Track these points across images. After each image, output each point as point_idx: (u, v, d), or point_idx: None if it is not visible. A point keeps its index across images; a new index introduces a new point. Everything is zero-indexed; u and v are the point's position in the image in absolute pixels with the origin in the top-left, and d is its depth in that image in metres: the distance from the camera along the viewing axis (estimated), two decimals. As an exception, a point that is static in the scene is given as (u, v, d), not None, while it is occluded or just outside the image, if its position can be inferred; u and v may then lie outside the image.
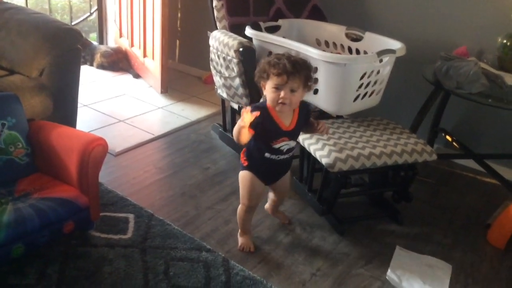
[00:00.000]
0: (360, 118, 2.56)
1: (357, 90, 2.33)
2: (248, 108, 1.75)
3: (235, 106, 2.82)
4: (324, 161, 2.15)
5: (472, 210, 2.63)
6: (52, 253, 1.98)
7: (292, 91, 1.77)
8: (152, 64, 3.80)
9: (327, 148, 2.18)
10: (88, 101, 3.51)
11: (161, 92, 3.79)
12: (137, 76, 4.10)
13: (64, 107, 2.40)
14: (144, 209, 2.33)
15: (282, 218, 2.35)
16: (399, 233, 2.38)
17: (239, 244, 2.14)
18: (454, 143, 2.98)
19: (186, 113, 3.51)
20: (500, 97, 2.42)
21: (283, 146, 1.90)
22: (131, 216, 2.27)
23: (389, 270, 2.10)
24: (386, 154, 2.21)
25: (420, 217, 2.53)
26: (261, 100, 2.04)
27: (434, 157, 2.32)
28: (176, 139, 3.14)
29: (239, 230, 2.17)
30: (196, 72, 4.24)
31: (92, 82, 3.91)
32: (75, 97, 2.51)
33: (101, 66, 4.17)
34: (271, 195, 2.25)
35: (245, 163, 1.99)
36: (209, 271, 1.98)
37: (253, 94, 2.56)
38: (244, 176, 2.00)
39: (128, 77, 4.12)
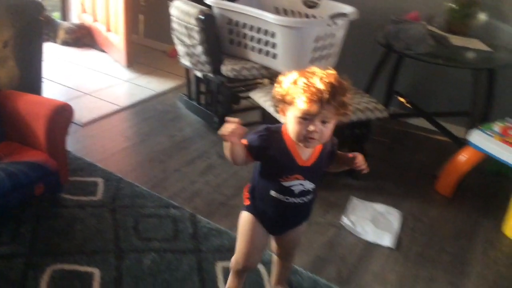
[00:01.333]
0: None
1: (312, 53, 2.46)
2: (234, 119, 1.32)
3: (199, 74, 2.92)
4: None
5: (423, 165, 2.82)
6: (24, 214, 2.07)
7: (324, 122, 1.31)
8: (116, 38, 3.84)
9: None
10: (54, 77, 3.54)
11: (127, 66, 3.84)
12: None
13: (30, 77, 2.45)
14: (112, 174, 2.42)
15: (278, 278, 1.78)
16: (355, 186, 2.56)
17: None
18: (407, 104, 3.17)
19: (152, 85, 3.58)
20: (448, 56, 2.59)
21: (295, 185, 1.43)
22: (100, 180, 2.36)
23: (344, 217, 2.27)
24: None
25: (375, 172, 2.69)
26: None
27: (386, 114, 2.49)
28: (142, 110, 3.22)
29: None
30: (161, 46, 4.29)
31: (56, 58, 3.92)
32: (39, 67, 2.56)
33: (65, 43, 4.18)
34: (273, 247, 1.69)
35: (247, 202, 1.54)
36: (176, 225, 2.11)
37: (215, 61, 2.66)
38: (244, 219, 1.55)
39: (93, 52, 4.14)
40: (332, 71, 1.32)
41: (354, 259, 2.05)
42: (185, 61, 2.88)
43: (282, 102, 1.34)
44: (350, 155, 1.45)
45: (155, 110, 3.23)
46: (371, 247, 2.13)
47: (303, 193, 1.45)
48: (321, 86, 1.27)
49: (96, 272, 1.81)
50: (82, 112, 3.02)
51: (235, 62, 2.68)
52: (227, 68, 2.65)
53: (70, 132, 2.25)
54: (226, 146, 1.35)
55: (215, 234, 2.07)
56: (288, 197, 1.44)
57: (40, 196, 2.07)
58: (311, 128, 1.29)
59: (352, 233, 2.20)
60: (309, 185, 1.44)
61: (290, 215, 1.51)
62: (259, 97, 2.51)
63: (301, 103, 1.28)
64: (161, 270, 1.85)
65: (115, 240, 1.98)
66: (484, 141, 2.35)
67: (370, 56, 3.11)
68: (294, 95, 1.29)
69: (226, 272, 1.83)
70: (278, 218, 1.51)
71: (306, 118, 1.29)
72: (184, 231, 2.08)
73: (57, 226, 2.03)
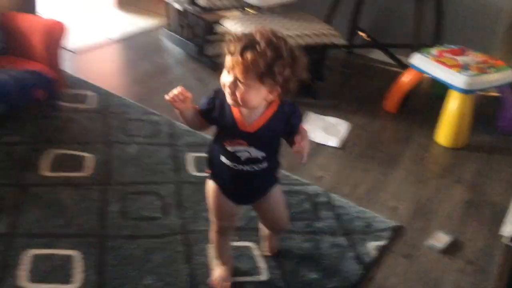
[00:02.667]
0: (282, 11, 3.06)
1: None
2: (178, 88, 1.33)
3: (179, 7, 3.26)
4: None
5: (376, 90, 3.20)
6: (28, 115, 2.46)
7: (237, 81, 1.23)
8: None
9: (248, 30, 2.68)
10: (51, 12, 3.85)
11: (118, 7, 4.17)
12: None
13: (28, 1, 2.78)
14: (103, 89, 2.81)
15: (268, 246, 1.78)
16: (313, 104, 2.94)
17: (212, 277, 1.64)
18: (367, 38, 3.53)
19: (139, 23, 3.91)
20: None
21: (239, 151, 1.36)
22: (92, 93, 2.75)
23: (300, 126, 2.68)
24: (298, 36, 2.73)
25: (332, 94, 3.11)
26: None
27: (340, 40, 2.86)
28: (129, 42, 3.58)
29: (214, 259, 1.67)
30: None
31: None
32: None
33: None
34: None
35: (208, 170, 1.52)
36: (156, 127, 2.52)
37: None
38: (207, 187, 1.53)
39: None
40: (275, 35, 1.24)
41: (304, 155, 2.47)
42: (166, -6, 3.22)
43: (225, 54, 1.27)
44: (295, 139, 1.31)
45: (141, 43, 3.58)
46: (319, 147, 2.54)
47: (251, 160, 1.37)
48: (241, 41, 1.21)
49: (88, 156, 2.22)
50: (76, 42, 3.37)
51: (209, -7, 3.04)
52: (202, -1, 3.01)
53: (65, 59, 2.62)
54: (176, 112, 1.35)
55: (189, 134, 2.47)
56: (236, 164, 1.38)
57: (42, 101, 2.46)
58: (223, 80, 1.26)
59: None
60: (256, 153, 1.36)
61: (245, 183, 1.45)
62: (230, 25, 2.86)
63: (224, 52, 1.24)
64: (143, 156, 2.26)
65: (104, 135, 2.39)
66: (422, 62, 2.73)
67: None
68: (227, 48, 1.24)
69: (196, 159, 2.25)
70: (234, 186, 1.46)
71: (227, 71, 1.25)
72: (163, 131, 2.48)
73: (56, 124, 2.43)
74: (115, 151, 2.27)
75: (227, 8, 3.13)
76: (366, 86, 3.28)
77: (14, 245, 1.71)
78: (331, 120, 2.79)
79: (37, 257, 1.67)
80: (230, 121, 1.34)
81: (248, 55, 1.18)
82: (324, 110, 2.90)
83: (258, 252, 1.79)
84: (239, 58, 1.19)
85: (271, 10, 3.06)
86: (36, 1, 2.74)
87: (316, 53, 2.89)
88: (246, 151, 1.36)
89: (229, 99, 1.28)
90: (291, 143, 1.33)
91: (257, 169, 1.40)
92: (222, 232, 1.59)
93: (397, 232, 1.98)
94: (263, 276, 1.70)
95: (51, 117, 2.48)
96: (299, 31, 2.76)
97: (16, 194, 1.94)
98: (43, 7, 2.91)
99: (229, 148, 1.37)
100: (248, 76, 1.21)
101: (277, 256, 1.78)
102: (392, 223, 2.01)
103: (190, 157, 2.30)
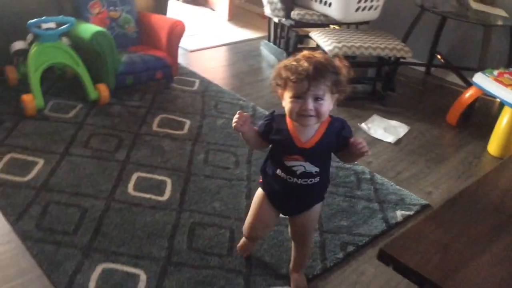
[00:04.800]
0: (364, 29, 3.53)
1: (358, 3, 3.30)
2: (242, 113, 1.48)
3: (276, 20, 3.87)
4: (326, 48, 3.18)
5: (444, 106, 3.51)
6: (149, 89, 3.19)
7: (317, 99, 1.37)
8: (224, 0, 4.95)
9: (329, 40, 3.20)
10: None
11: (228, 20, 4.93)
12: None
13: (159, 4, 3.57)
14: (206, 78, 3.48)
15: (296, 281, 1.80)
16: (380, 109, 3.35)
17: (239, 243, 1.92)
18: (441, 60, 3.85)
19: (244, 34, 4.61)
20: (465, 15, 3.28)
21: (296, 166, 1.49)
22: (197, 80, 3.43)
23: (363, 123, 3.11)
24: (371, 48, 3.18)
25: (401, 103, 3.49)
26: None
27: (410, 54, 3.26)
28: (233, 48, 4.27)
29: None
30: (257, 10, 5.31)
31: (179, 10, 5.12)
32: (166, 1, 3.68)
33: (186, 1, 5.37)
34: (289, 230, 1.76)
35: (260, 179, 1.66)
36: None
37: (287, 7, 3.60)
38: (256, 194, 1.69)
39: (205, 9, 5.29)
40: (321, 54, 1.42)
41: (361, 145, 2.89)
42: (267, 9, 3.85)
43: (278, 86, 1.43)
44: (350, 141, 1.45)
45: (243, 49, 4.25)
46: (376, 140, 2.95)
47: (305, 175, 1.49)
48: (306, 64, 1.35)
49: (187, 121, 2.86)
50: (192, 44, 4.14)
51: (301, 9, 3.62)
52: (295, 13, 3.59)
53: (182, 54, 3.34)
54: (240, 136, 1.53)
55: (267, 117, 3.03)
56: (291, 177, 1.50)
57: (159, 80, 3.19)
58: (304, 105, 1.36)
59: (365, 132, 3.03)
60: (311, 168, 1.48)
61: (296, 195, 1.56)
62: (316, 36, 3.40)
63: (290, 83, 1.37)
64: (227, 127, 2.85)
65: (201, 109, 3.03)
66: (483, 81, 3.03)
67: (410, 14, 3.82)
68: (285, 77, 1.38)
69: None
70: (284, 196, 1.59)
71: (298, 97, 1.37)
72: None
73: (168, 98, 3.13)
74: (207, 121, 2.90)
75: (315, 23, 3.67)
76: (434, 101, 3.60)
77: (127, 168, 2.37)
78: (393, 123, 3.17)
79: (141, 178, 2.31)
80: (288, 140, 1.46)
81: (319, 72, 1.35)
82: (389, 115, 3.29)
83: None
84: (314, 76, 1.34)
85: (352, 27, 3.55)
86: (167, 6, 3.52)
87: (389, 65, 3.31)
88: (301, 165, 1.48)
89: (303, 120, 1.40)
90: (344, 152, 1.49)
91: (309, 183, 1.51)
92: (250, 240, 1.83)
93: (425, 209, 2.33)
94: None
95: (164, 93, 3.19)
96: (373, 44, 3.21)
97: (133, 138, 2.63)
98: (171, 11, 3.70)
99: (286, 163, 1.49)
100: (326, 90, 1.37)
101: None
102: (422, 201, 2.37)
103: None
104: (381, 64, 3.34)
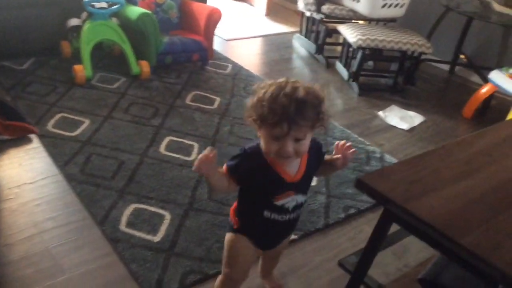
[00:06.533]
0: (390, 25, 3.73)
1: (384, 0, 3.51)
2: (209, 148, 1.22)
3: (308, 14, 4.12)
4: (351, 40, 3.40)
5: (462, 102, 3.65)
6: (185, 69, 3.50)
7: (297, 140, 1.21)
8: (261, -6, 5.24)
9: (355, 33, 3.42)
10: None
11: (265, 15, 5.21)
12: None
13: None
14: (238, 64, 3.77)
15: (271, 284, 1.77)
16: (400, 101, 3.54)
17: None
18: (465, 60, 4.00)
19: (279, 28, 4.88)
20: (487, 15, 3.43)
21: (288, 202, 1.35)
22: (230, 65, 3.72)
23: (381, 112, 3.31)
24: (394, 42, 3.38)
25: (420, 97, 3.67)
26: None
27: (430, 50, 3.44)
28: (267, 40, 4.54)
29: None
30: (292, 7, 5.56)
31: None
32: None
33: (226, -4, 5.70)
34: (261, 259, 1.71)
35: (235, 225, 1.43)
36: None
37: (318, 2, 3.84)
38: (230, 240, 1.45)
39: (244, 4, 5.60)
40: (300, 83, 1.21)
41: (376, 129, 3.10)
42: (300, 4, 4.11)
43: (254, 122, 1.23)
44: (334, 156, 1.38)
45: (276, 41, 4.52)
46: (391, 127, 3.15)
47: (297, 207, 1.38)
48: (286, 103, 1.14)
49: (217, 98, 3.15)
50: (229, 33, 4.44)
51: (331, 4, 3.86)
52: (325, 8, 3.83)
53: (217, 42, 3.63)
54: (204, 177, 1.27)
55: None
56: (284, 215, 1.36)
57: (195, 62, 3.50)
58: (283, 148, 1.20)
59: (382, 119, 3.23)
60: (301, 198, 1.38)
61: (283, 230, 1.46)
62: (343, 29, 3.63)
63: (268, 125, 1.18)
64: (253, 106, 3.12)
65: (231, 89, 3.31)
66: (498, 77, 3.18)
67: (434, 13, 3.98)
68: (261, 115, 1.19)
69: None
70: (271, 236, 1.45)
71: (276, 137, 1.20)
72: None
73: (201, 78, 3.43)
74: (235, 99, 3.18)
75: (344, 18, 3.89)
76: (453, 98, 3.75)
77: (161, 132, 2.67)
78: (410, 113, 3.36)
79: (172, 141, 2.60)
80: (275, 178, 1.29)
81: (300, 113, 1.16)
82: (407, 105, 3.48)
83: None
84: (295, 119, 1.15)
85: (380, 24, 3.75)
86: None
87: (410, 60, 3.50)
88: (293, 200, 1.35)
89: (281, 160, 1.26)
90: (324, 166, 1.41)
91: (299, 213, 1.42)
92: (232, 285, 1.55)
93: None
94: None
95: (199, 73, 3.49)
96: (396, 38, 3.41)
97: (168, 109, 2.93)
98: (213, 3, 4.01)
99: (277, 203, 1.33)
100: (307, 130, 1.21)
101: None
102: (426, 180, 2.56)
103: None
104: (403, 59, 3.53)
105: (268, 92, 1.19)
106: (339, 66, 3.85)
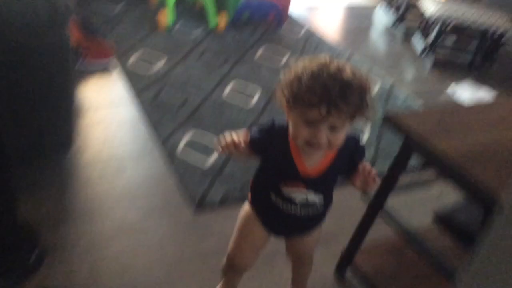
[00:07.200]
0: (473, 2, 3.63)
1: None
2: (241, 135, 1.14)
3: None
4: (429, 10, 3.36)
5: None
6: (260, 26, 3.66)
7: (334, 128, 1.05)
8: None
9: (435, 6, 3.38)
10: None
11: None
12: None
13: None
14: (313, 29, 3.85)
15: None
16: (473, 80, 3.45)
17: None
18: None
19: (362, 1, 4.88)
20: None
21: (296, 195, 1.19)
22: (304, 29, 3.82)
23: (450, 88, 3.26)
24: (475, 17, 3.30)
25: (496, 78, 3.55)
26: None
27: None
28: (348, 10, 4.58)
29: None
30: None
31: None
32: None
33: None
34: (286, 248, 1.46)
35: (250, 196, 1.33)
36: (333, 53, 3.44)
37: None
38: (243, 212, 1.34)
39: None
40: (347, 64, 1.05)
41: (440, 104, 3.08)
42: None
43: (287, 102, 1.06)
44: (361, 169, 1.12)
45: (356, 12, 4.53)
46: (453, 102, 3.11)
47: (306, 205, 1.20)
48: (328, 83, 1.00)
49: (287, 55, 3.28)
50: (308, 1, 4.52)
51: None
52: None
53: (294, 8, 3.77)
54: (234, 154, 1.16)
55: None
56: (288, 205, 1.20)
57: (270, 22, 3.64)
58: (316, 135, 1.04)
59: (449, 96, 3.19)
60: (314, 198, 1.19)
61: (292, 224, 1.28)
62: (427, 3, 3.58)
63: (301, 103, 1.03)
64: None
65: (301, 49, 3.43)
66: None
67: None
68: (296, 93, 1.03)
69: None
70: (278, 223, 1.29)
71: (310, 122, 1.04)
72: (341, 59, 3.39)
73: (274, 37, 3.58)
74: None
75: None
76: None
77: (227, 78, 2.87)
78: (481, 93, 3.27)
79: (236, 87, 2.79)
80: (289, 163, 1.15)
81: (343, 96, 1.00)
82: (479, 86, 3.38)
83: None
84: (336, 102, 1.00)
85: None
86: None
87: (491, 39, 3.40)
88: (303, 195, 1.18)
89: (309, 148, 1.09)
90: (352, 178, 1.16)
91: (310, 214, 1.22)
92: (231, 270, 1.40)
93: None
94: (363, 139, 2.48)
95: (272, 32, 3.64)
96: (479, 15, 3.32)
97: (238, 60, 3.12)
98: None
99: (283, 190, 1.18)
100: (346, 119, 1.04)
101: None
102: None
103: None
104: (484, 37, 3.43)
105: (308, 68, 1.03)
106: (416, 40, 3.81)
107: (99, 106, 2.42)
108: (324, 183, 1.19)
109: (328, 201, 1.24)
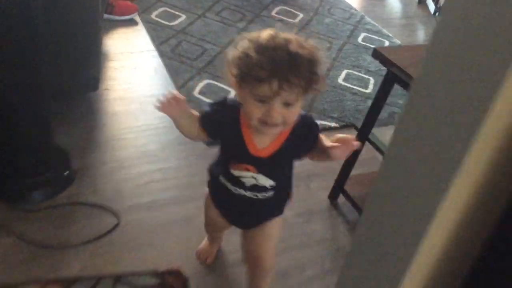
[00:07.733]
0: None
1: None
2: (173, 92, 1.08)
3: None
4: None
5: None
6: None
7: (287, 104, 1.00)
8: None
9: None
10: None
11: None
12: None
13: None
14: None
15: None
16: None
17: (199, 246, 1.58)
18: None
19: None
20: None
21: (244, 177, 1.14)
22: None
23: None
24: None
25: None
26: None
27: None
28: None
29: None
30: None
31: None
32: None
33: None
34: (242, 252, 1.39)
35: (208, 176, 1.29)
36: (350, 17, 3.56)
37: None
38: (206, 194, 1.34)
39: None
40: (293, 36, 1.01)
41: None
42: None
43: (236, 78, 1.01)
44: (329, 145, 1.07)
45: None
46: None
47: (257, 188, 1.16)
48: (278, 55, 0.95)
49: (301, 14, 3.42)
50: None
51: None
52: None
53: None
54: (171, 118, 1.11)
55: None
56: (237, 188, 1.16)
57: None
58: (269, 112, 0.99)
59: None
60: (264, 181, 1.14)
61: (243, 209, 1.23)
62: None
63: (253, 82, 0.97)
64: (333, 25, 3.35)
65: (315, 9, 3.56)
66: None
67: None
68: (244, 69, 0.98)
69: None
70: (229, 207, 1.27)
71: (262, 99, 0.99)
72: (354, 20, 3.51)
73: (291, 0, 3.72)
74: (317, 17, 3.44)
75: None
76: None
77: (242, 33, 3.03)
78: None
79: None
80: (237, 143, 1.10)
81: (295, 69, 0.96)
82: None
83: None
84: (287, 76, 0.95)
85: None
86: None
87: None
88: (253, 177, 1.13)
89: (264, 127, 1.03)
90: (316, 152, 1.13)
91: (261, 197, 1.17)
92: (207, 230, 1.50)
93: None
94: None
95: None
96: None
97: (254, 16, 3.28)
98: None
99: (232, 171, 1.14)
100: (299, 93, 0.99)
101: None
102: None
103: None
104: None
105: (255, 43, 0.98)
106: (429, 1, 3.90)
107: (124, 53, 2.65)
108: (275, 165, 1.13)
109: (280, 186, 1.18)
